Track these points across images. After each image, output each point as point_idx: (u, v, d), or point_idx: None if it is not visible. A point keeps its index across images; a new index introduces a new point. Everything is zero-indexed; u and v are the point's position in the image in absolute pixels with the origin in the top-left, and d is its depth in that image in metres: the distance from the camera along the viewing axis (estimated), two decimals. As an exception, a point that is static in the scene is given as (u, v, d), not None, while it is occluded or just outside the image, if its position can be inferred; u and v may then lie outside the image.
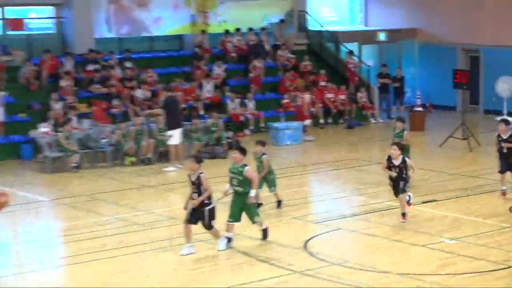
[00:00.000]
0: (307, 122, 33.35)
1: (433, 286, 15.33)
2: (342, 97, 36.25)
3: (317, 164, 28.23)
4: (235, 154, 18.16)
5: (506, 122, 20.78)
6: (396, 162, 19.36)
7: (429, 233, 18.87)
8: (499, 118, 21.37)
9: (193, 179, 17.26)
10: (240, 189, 17.88)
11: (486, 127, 33.02)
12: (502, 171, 21.50)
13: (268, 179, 21.14)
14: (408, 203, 19.70)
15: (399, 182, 19.37)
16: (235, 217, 17.92)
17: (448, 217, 20.29)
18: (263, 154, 20.77)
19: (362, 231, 19.29)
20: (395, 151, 19.29)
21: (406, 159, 19.51)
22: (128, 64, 34.35)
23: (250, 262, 17.12)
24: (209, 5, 37.59)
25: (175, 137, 27.75)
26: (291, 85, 36.25)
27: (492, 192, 22.76)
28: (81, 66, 33.66)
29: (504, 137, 20.83)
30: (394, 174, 19.30)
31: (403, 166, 19.33)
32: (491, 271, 16.07)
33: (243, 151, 18.28)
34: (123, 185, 25.34)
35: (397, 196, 19.52)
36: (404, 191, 19.38)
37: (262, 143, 21.05)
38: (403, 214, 19.50)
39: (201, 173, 17.31)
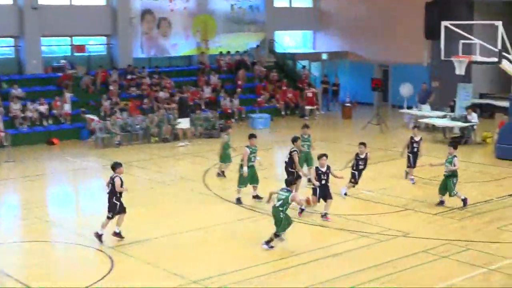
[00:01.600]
0: (310, 107, 32.18)
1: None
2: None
3: (279, 142, 26.41)
4: (253, 140, 16.94)
5: (326, 155, 15.41)
6: (324, 169, 15.38)
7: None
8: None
9: (362, 156, 16.76)
10: (255, 163, 17.02)
11: (392, 117, 31.88)
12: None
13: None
14: (308, 201, 15.30)
15: (328, 187, 15.52)
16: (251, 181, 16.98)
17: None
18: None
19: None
20: (324, 161, 15.34)
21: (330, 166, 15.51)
22: (155, 75, 32.98)
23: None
24: (209, 36, 36.17)
25: (183, 123, 26.92)
26: (264, 89, 35.04)
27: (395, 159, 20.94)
28: (123, 76, 31.91)
29: (323, 169, 15.27)
30: (320, 183, 15.32)
31: (329, 173, 15.44)
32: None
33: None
34: (150, 156, 24.46)
35: (325, 200, 15.46)
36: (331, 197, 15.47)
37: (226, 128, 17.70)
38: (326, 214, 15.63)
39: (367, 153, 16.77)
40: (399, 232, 14.29)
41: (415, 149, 18.72)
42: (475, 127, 24.89)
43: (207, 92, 32.79)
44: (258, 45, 37.63)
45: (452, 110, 27.05)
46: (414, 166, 18.70)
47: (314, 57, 38.24)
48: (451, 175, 16.08)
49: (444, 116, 26.26)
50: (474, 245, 13.32)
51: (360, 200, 17.06)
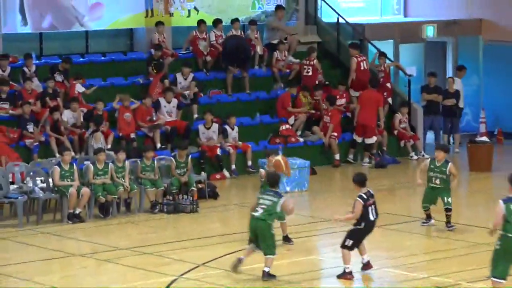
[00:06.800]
0: (373, 140, 27.92)
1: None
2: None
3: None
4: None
5: None
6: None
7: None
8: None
9: None
10: None
11: None
12: None
13: None
14: None
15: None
16: None
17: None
18: None
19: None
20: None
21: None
22: (56, 75, 26.26)
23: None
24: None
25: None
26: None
27: None
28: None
29: None
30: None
31: None
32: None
33: None
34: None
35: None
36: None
37: None
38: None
39: None
40: None
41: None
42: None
43: (168, 110, 28.19)
44: (279, 5, 31.22)
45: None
46: None
47: (405, 33, 32.48)
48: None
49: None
50: None
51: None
